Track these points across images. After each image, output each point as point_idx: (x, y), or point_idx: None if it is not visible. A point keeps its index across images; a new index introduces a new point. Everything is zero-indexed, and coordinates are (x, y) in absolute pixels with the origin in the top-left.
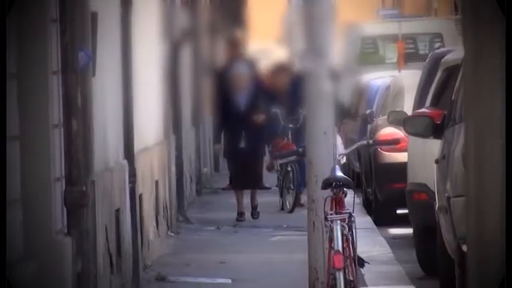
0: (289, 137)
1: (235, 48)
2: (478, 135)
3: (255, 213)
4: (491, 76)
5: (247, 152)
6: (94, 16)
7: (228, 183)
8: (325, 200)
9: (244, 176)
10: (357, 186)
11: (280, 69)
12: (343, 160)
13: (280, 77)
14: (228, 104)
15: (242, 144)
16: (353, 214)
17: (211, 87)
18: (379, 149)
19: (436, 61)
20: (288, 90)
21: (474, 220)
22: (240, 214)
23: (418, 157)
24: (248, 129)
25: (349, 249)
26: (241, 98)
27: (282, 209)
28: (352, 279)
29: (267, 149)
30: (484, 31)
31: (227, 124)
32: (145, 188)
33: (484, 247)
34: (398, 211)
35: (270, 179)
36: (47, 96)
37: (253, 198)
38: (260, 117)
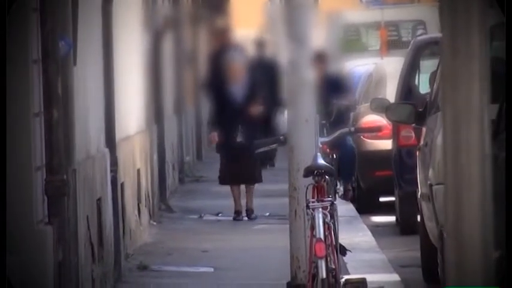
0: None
1: (223, 35)
2: (455, 122)
3: (251, 215)
4: (469, 63)
5: (242, 147)
6: (75, 4)
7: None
8: (307, 188)
9: (238, 172)
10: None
11: (318, 58)
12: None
13: (318, 68)
14: (222, 95)
15: (238, 139)
16: (335, 202)
17: (204, 76)
18: (361, 137)
19: (419, 48)
20: (322, 82)
21: (452, 208)
22: (237, 213)
23: None
24: (245, 122)
25: (331, 237)
26: (237, 88)
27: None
28: (334, 267)
29: None
30: (461, 17)
31: (221, 117)
32: (127, 176)
33: (461, 234)
34: (381, 199)
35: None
36: (27, 85)
37: (249, 200)
38: (257, 109)
